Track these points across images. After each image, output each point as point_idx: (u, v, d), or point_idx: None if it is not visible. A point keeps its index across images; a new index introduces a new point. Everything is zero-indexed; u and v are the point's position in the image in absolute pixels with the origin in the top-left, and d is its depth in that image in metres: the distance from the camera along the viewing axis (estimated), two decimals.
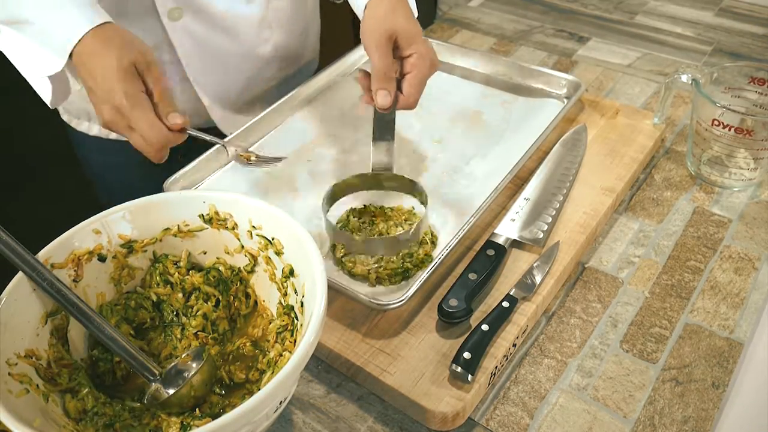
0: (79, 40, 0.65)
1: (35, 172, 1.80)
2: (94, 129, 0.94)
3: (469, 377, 0.61)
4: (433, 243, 0.75)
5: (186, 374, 0.56)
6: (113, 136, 0.93)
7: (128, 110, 0.64)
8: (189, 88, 0.91)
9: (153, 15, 0.83)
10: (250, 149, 0.79)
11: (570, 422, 0.61)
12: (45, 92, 0.72)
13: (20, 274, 0.54)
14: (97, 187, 1.08)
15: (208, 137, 0.73)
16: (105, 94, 0.65)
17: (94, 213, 0.60)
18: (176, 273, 0.63)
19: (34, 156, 1.79)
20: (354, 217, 0.78)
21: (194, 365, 0.57)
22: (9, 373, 0.50)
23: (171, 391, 0.55)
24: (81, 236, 0.59)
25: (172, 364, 0.57)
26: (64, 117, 0.95)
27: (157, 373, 0.56)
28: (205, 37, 0.87)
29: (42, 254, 0.56)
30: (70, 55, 0.66)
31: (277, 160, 0.77)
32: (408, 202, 0.79)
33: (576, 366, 0.66)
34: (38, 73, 0.69)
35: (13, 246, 0.52)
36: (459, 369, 0.61)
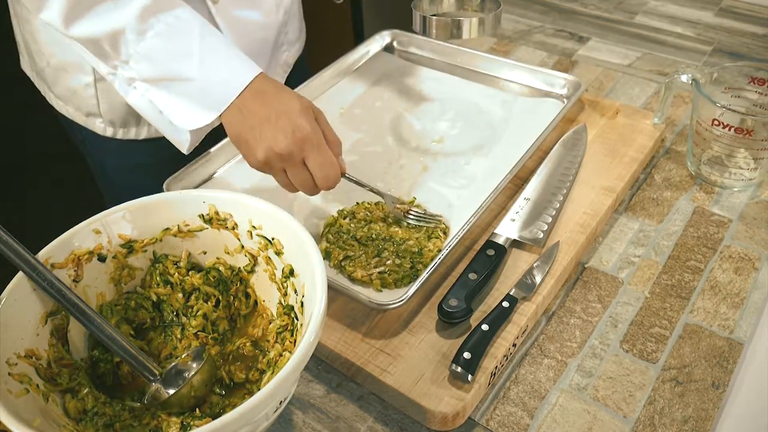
0: (240, 95, 0.69)
1: (36, 172, 1.80)
2: (108, 130, 0.94)
3: (469, 377, 0.61)
4: (445, 233, 0.75)
5: (186, 374, 0.56)
6: (119, 135, 0.94)
7: (314, 145, 0.68)
8: None
9: (195, 1, 0.84)
10: (407, 202, 0.78)
11: (570, 422, 0.61)
12: (182, 142, 0.76)
13: (20, 274, 0.54)
14: (102, 185, 1.08)
15: (366, 185, 0.76)
16: (286, 126, 0.67)
17: (95, 213, 0.60)
18: (176, 273, 0.63)
19: (35, 156, 1.79)
20: (345, 218, 0.77)
21: (194, 365, 0.57)
22: (9, 373, 0.50)
23: (171, 391, 0.55)
24: (81, 236, 0.59)
25: (172, 364, 0.57)
26: (72, 115, 0.95)
27: (157, 373, 0.56)
28: (239, 13, 0.90)
29: (42, 254, 0.56)
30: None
31: (435, 219, 0.76)
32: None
33: (576, 366, 0.66)
34: (186, 125, 0.72)
35: (14, 246, 0.52)
36: (459, 369, 0.61)
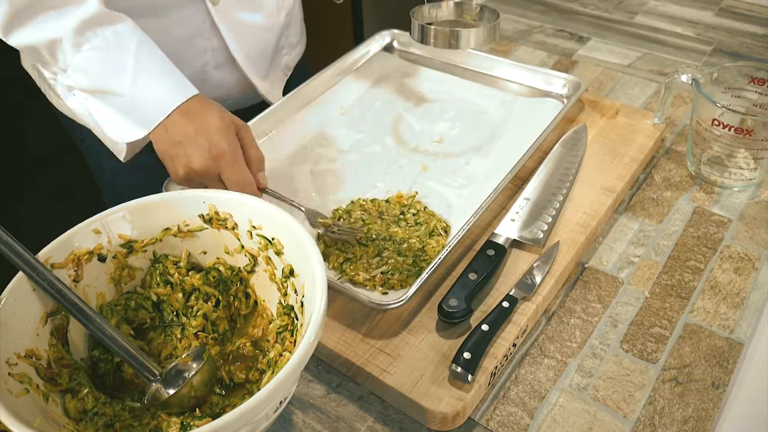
0: (169, 115, 0.72)
1: (36, 172, 1.80)
2: None
3: (469, 377, 0.61)
4: (446, 232, 0.75)
5: (186, 374, 0.56)
6: None
7: (229, 162, 0.70)
8: (236, 69, 0.94)
9: (194, 3, 0.86)
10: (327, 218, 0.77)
11: (570, 422, 0.61)
12: (118, 151, 0.79)
13: (20, 274, 0.54)
14: (102, 185, 1.08)
15: (287, 200, 0.76)
16: (203, 143, 0.70)
17: (95, 213, 0.60)
18: (176, 273, 0.63)
19: (35, 156, 1.79)
20: (339, 219, 0.77)
21: (194, 365, 0.57)
22: (9, 373, 0.50)
23: (171, 392, 0.55)
24: (81, 236, 0.59)
25: (173, 364, 0.57)
26: (71, 114, 0.95)
27: (157, 373, 0.56)
28: (240, 16, 0.91)
29: (42, 254, 0.56)
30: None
31: (354, 232, 0.75)
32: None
33: (576, 366, 0.66)
34: (117, 138, 0.75)
35: (14, 246, 0.52)
36: (459, 369, 0.61)
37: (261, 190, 0.74)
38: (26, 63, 0.99)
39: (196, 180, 0.72)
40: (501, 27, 0.83)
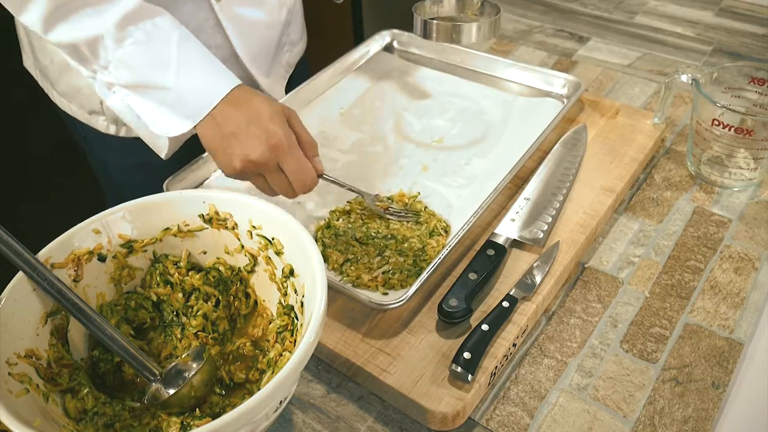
0: (215, 106, 0.69)
1: (36, 172, 1.80)
2: (111, 128, 0.94)
3: (469, 377, 0.61)
4: (446, 232, 0.75)
5: (186, 374, 0.56)
6: (122, 133, 0.94)
7: (286, 150, 0.68)
8: (240, 66, 0.94)
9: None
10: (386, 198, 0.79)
11: (570, 422, 0.61)
12: (160, 147, 0.78)
13: (20, 273, 0.54)
14: (104, 184, 1.08)
15: (345, 185, 0.76)
16: (259, 133, 0.67)
17: (95, 213, 0.60)
18: (176, 273, 0.63)
19: (35, 156, 1.79)
20: (338, 219, 0.77)
21: (194, 365, 0.57)
22: (9, 373, 0.50)
23: (171, 391, 0.55)
24: (81, 236, 0.59)
25: (173, 364, 0.57)
26: (75, 113, 0.95)
27: (157, 373, 0.56)
28: (242, 12, 0.90)
29: (42, 254, 0.56)
30: None
31: (414, 214, 0.76)
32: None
33: (576, 366, 0.66)
34: (162, 133, 0.73)
35: (14, 246, 0.52)
36: (459, 369, 0.61)
37: (318, 176, 0.72)
38: (28, 63, 0.99)
39: (252, 171, 0.70)
40: (501, 27, 0.84)
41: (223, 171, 0.72)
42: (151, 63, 0.70)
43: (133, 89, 0.72)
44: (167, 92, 0.71)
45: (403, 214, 0.77)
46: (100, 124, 0.94)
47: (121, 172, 1.00)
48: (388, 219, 0.76)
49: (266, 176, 0.70)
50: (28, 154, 1.79)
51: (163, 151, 0.78)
